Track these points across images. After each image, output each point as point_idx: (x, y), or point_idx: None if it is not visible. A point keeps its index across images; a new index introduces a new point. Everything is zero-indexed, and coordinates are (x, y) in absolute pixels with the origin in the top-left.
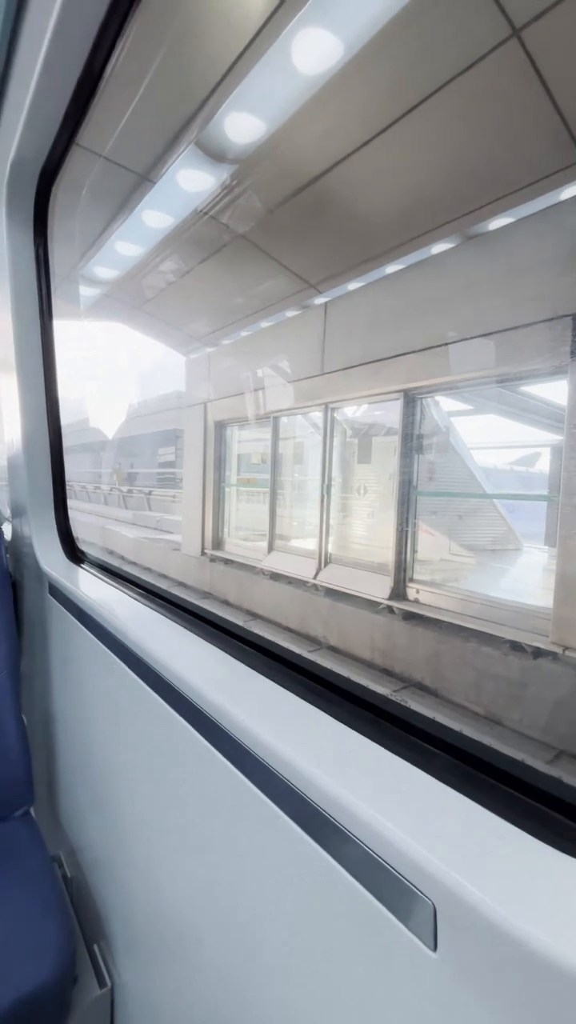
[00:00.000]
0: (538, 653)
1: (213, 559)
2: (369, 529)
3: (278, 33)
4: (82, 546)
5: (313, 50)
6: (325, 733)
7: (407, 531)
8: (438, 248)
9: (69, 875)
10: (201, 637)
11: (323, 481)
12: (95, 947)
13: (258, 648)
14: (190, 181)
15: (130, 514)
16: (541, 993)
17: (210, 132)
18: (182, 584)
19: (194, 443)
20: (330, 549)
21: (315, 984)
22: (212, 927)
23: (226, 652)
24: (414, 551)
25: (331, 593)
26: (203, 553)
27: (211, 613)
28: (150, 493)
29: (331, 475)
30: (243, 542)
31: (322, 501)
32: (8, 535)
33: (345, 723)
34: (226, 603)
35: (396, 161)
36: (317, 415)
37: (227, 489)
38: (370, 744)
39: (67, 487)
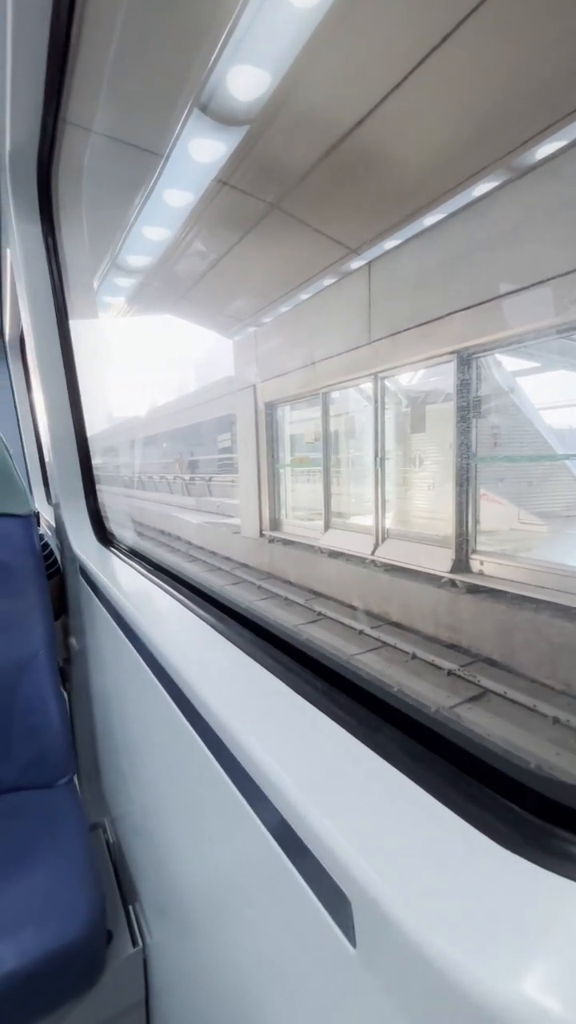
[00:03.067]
0: None
1: (272, 540)
2: (427, 501)
3: None
4: (147, 531)
5: None
6: (325, 742)
7: (467, 501)
8: (483, 188)
9: (112, 840)
10: (213, 627)
11: (376, 455)
12: (131, 908)
13: (252, 626)
14: (202, 152)
15: (193, 501)
16: (446, 1014)
17: (217, 97)
18: (244, 565)
19: (246, 427)
20: (387, 524)
21: (262, 964)
22: (212, 899)
23: (228, 639)
24: (476, 521)
25: (390, 569)
26: (261, 535)
27: (228, 599)
28: (210, 479)
29: (384, 448)
30: (300, 522)
31: (376, 475)
32: (53, 520)
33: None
34: (287, 583)
35: (429, 96)
36: (367, 387)
37: (281, 470)
38: (331, 725)
39: (135, 477)
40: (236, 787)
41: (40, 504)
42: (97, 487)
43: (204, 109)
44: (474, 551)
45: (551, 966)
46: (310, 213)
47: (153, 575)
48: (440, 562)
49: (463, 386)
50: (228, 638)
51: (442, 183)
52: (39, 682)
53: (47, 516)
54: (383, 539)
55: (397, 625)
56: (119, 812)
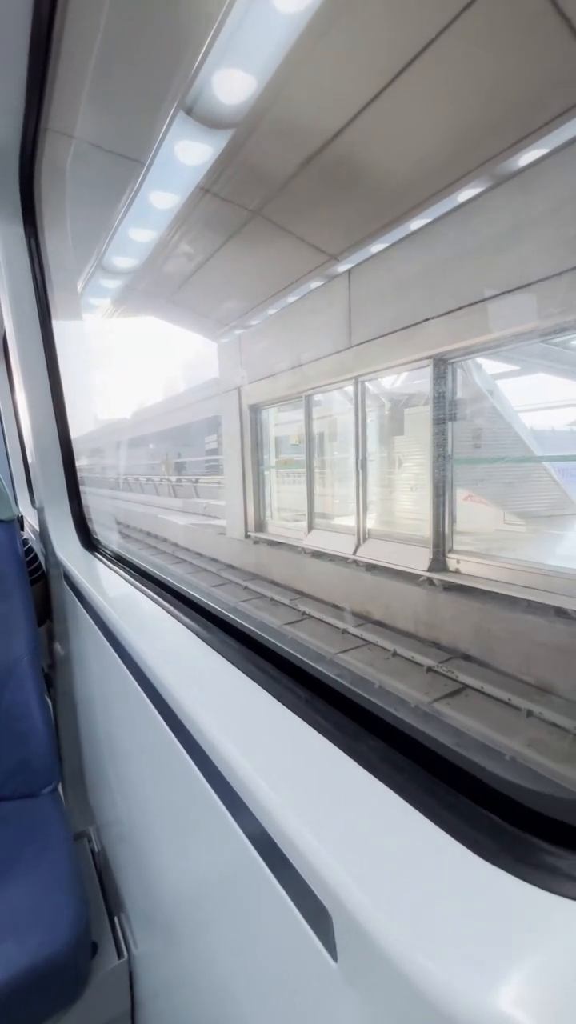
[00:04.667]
0: None
1: (257, 541)
2: (406, 502)
3: None
4: (134, 534)
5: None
6: (306, 753)
7: (443, 501)
8: (464, 195)
9: (97, 849)
10: (197, 635)
11: (357, 457)
12: (116, 919)
13: (236, 633)
14: (189, 154)
15: (180, 502)
16: None
17: (202, 100)
18: (231, 567)
19: (231, 428)
20: (368, 524)
21: (246, 976)
22: (198, 910)
23: (212, 647)
24: (452, 521)
25: (372, 568)
26: (247, 536)
27: (213, 606)
28: (197, 481)
29: (364, 451)
30: (285, 523)
31: (357, 477)
32: (37, 525)
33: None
34: (273, 583)
35: (408, 108)
36: (349, 390)
37: (266, 472)
38: (301, 725)
39: (120, 479)
40: (219, 797)
41: (24, 507)
42: (81, 490)
43: (189, 112)
44: (451, 550)
45: (528, 981)
46: (291, 221)
47: (138, 581)
48: (418, 561)
49: (438, 390)
50: (212, 646)
51: (422, 191)
52: (23, 688)
53: (31, 520)
54: (364, 539)
55: (379, 623)
56: (104, 821)
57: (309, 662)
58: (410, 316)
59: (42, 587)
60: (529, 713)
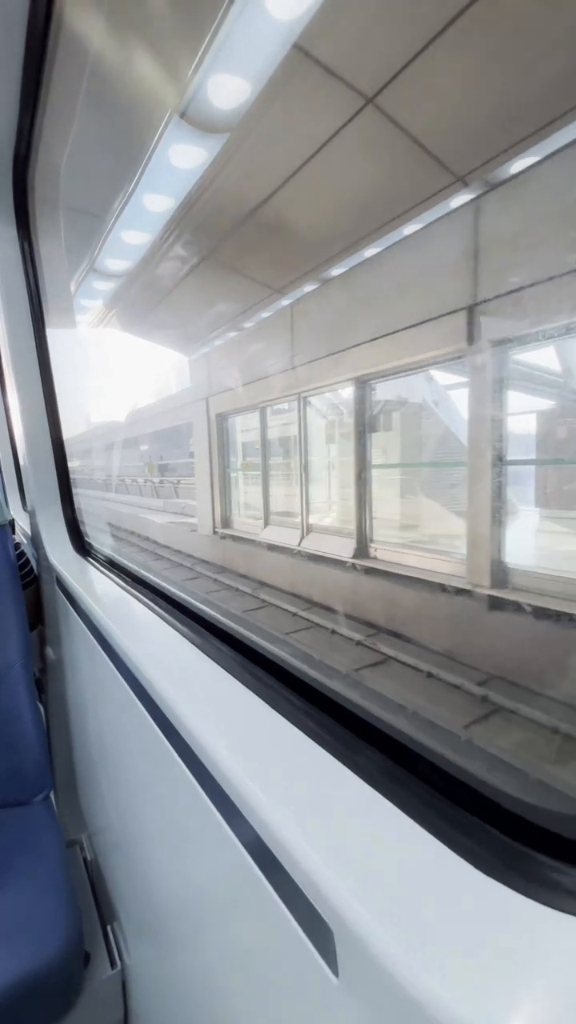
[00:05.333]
0: (458, 591)
1: (223, 537)
2: (340, 501)
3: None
4: (119, 532)
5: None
6: (304, 763)
7: (365, 499)
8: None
9: (90, 858)
10: (191, 641)
11: (300, 461)
12: (109, 928)
13: (230, 640)
14: (182, 158)
15: (160, 502)
16: None
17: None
18: (203, 561)
19: (201, 434)
20: (309, 520)
21: (242, 989)
22: (192, 921)
23: (207, 654)
24: (372, 517)
25: (313, 557)
26: (214, 532)
27: (201, 608)
28: (178, 482)
29: (307, 456)
30: (247, 520)
31: (300, 479)
32: (28, 529)
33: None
34: (237, 574)
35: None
36: (309, 400)
37: (232, 474)
38: (295, 732)
39: (109, 480)
40: (213, 805)
41: (15, 511)
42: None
43: (183, 115)
44: (371, 540)
45: (534, 1001)
46: (241, 261)
47: (131, 587)
48: (346, 550)
49: (359, 406)
50: (205, 651)
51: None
52: (14, 695)
53: (22, 523)
54: (307, 532)
55: (321, 605)
56: (97, 828)
57: (305, 671)
58: (339, 343)
59: (34, 592)
60: (429, 674)
